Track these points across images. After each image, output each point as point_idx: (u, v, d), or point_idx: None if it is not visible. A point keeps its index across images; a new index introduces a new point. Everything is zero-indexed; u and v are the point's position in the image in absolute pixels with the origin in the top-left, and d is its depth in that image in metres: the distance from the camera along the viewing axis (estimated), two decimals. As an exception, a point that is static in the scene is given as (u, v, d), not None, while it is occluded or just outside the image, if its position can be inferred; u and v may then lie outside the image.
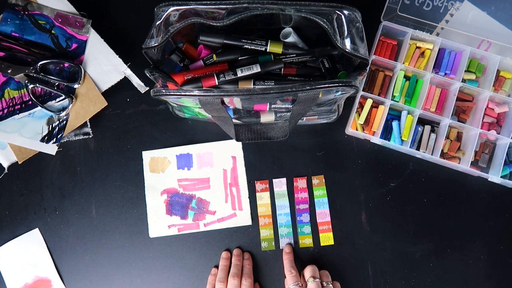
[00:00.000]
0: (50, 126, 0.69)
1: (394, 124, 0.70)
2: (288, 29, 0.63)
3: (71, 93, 0.69)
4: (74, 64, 0.68)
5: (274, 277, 0.69)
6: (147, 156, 0.72)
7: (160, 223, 0.71)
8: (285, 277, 0.66)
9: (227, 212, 0.71)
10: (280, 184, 0.71)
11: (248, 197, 0.71)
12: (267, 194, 0.71)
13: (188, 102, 0.60)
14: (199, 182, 0.72)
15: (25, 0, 0.69)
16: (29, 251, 0.70)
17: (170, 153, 0.72)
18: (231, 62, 0.63)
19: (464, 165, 0.69)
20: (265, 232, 0.70)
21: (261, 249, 0.70)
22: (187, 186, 0.72)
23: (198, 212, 0.71)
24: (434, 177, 0.72)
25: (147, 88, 0.73)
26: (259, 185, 0.71)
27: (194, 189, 0.72)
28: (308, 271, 0.64)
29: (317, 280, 0.62)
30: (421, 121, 0.72)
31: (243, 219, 0.71)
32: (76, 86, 0.68)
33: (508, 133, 0.70)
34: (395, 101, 0.71)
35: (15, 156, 0.69)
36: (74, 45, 0.70)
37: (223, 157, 0.72)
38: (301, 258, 0.70)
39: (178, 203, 0.71)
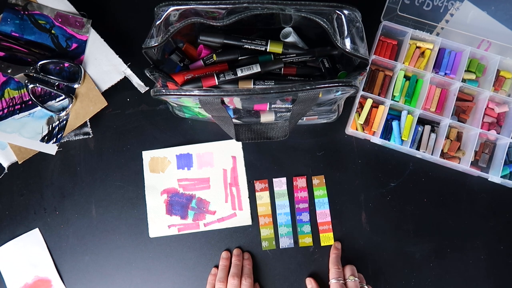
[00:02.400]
0: (50, 126, 0.69)
1: (394, 124, 0.70)
2: (288, 29, 0.63)
3: (71, 93, 0.69)
4: (74, 64, 0.68)
5: (274, 277, 0.69)
6: (147, 156, 0.72)
7: (160, 223, 0.71)
8: (329, 270, 0.67)
9: (227, 212, 0.71)
10: (280, 184, 0.71)
11: (248, 197, 0.71)
12: (267, 193, 0.71)
13: (188, 102, 0.60)
14: (199, 182, 0.72)
15: (25, 0, 0.69)
16: (29, 251, 0.70)
17: (170, 153, 0.72)
18: (231, 62, 0.63)
19: (464, 165, 0.69)
20: (266, 232, 0.70)
21: (262, 248, 0.70)
22: (187, 186, 0.72)
23: (198, 212, 0.71)
24: (434, 177, 0.72)
25: (147, 88, 0.73)
26: (258, 185, 0.71)
27: (194, 189, 0.72)
28: (348, 270, 0.65)
29: (357, 279, 0.64)
30: (421, 121, 0.72)
31: (243, 219, 0.71)
32: (76, 86, 0.68)
33: (508, 133, 0.70)
34: (395, 101, 0.71)
35: (15, 156, 0.69)
36: (74, 45, 0.70)
37: (223, 157, 0.72)
38: (301, 258, 0.70)
39: (178, 203, 0.71)
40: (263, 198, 0.71)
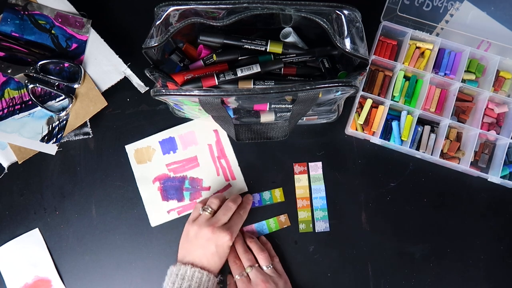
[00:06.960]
0: (50, 126, 0.69)
1: (394, 124, 0.70)
2: (288, 29, 0.63)
3: (71, 93, 0.69)
4: (74, 64, 0.68)
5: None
6: (131, 149, 0.72)
7: (159, 210, 0.71)
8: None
9: (221, 185, 0.71)
10: (316, 168, 0.72)
11: (239, 165, 0.71)
12: (305, 176, 0.71)
13: (188, 103, 0.60)
14: (187, 162, 0.72)
15: (25, 0, 0.69)
16: (29, 251, 0.70)
17: (152, 141, 0.72)
18: (231, 62, 0.63)
19: (463, 165, 0.69)
20: (303, 214, 0.71)
21: (299, 230, 0.70)
22: (176, 169, 0.72)
23: (193, 191, 0.71)
24: (434, 177, 0.72)
25: (147, 88, 0.73)
26: (297, 168, 0.72)
27: (184, 170, 0.72)
28: (247, 259, 0.65)
29: (255, 267, 0.64)
30: (421, 121, 0.72)
31: (239, 187, 0.71)
32: (76, 86, 0.68)
33: (508, 133, 0.70)
34: (395, 101, 0.71)
35: (15, 156, 0.69)
36: (74, 45, 0.70)
37: (205, 133, 0.72)
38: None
39: (172, 187, 0.71)
40: (301, 180, 0.71)
